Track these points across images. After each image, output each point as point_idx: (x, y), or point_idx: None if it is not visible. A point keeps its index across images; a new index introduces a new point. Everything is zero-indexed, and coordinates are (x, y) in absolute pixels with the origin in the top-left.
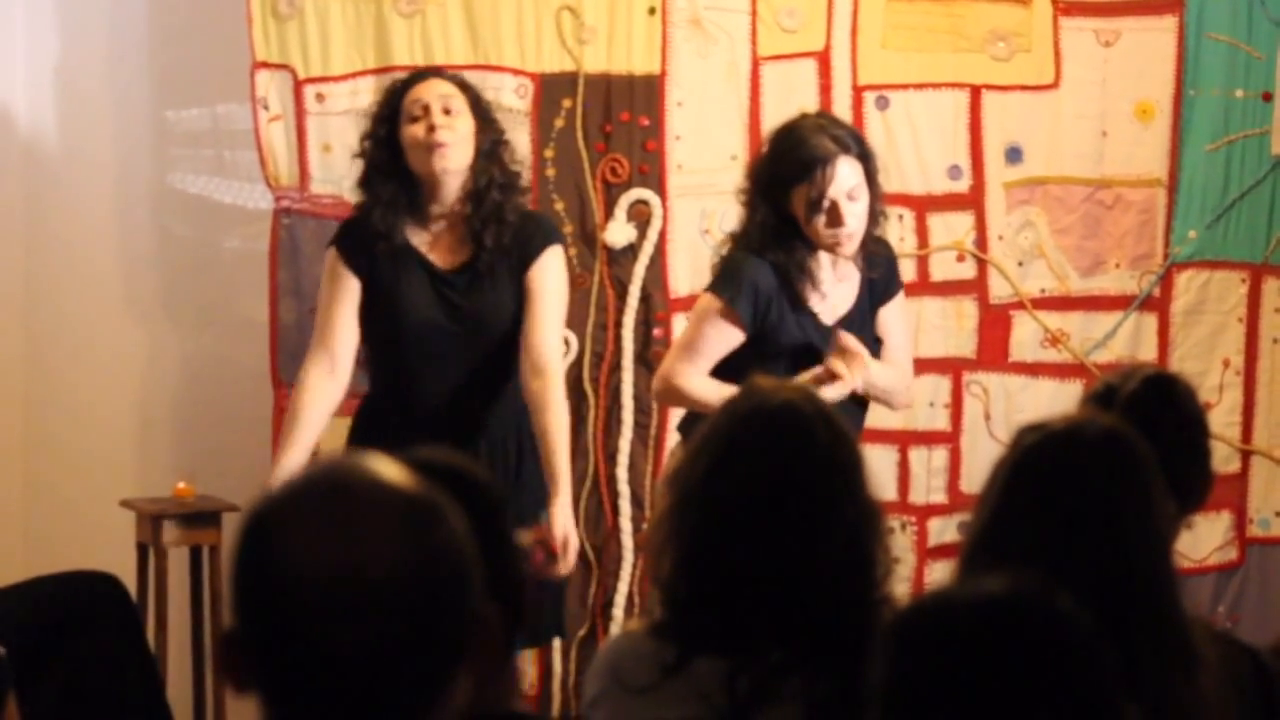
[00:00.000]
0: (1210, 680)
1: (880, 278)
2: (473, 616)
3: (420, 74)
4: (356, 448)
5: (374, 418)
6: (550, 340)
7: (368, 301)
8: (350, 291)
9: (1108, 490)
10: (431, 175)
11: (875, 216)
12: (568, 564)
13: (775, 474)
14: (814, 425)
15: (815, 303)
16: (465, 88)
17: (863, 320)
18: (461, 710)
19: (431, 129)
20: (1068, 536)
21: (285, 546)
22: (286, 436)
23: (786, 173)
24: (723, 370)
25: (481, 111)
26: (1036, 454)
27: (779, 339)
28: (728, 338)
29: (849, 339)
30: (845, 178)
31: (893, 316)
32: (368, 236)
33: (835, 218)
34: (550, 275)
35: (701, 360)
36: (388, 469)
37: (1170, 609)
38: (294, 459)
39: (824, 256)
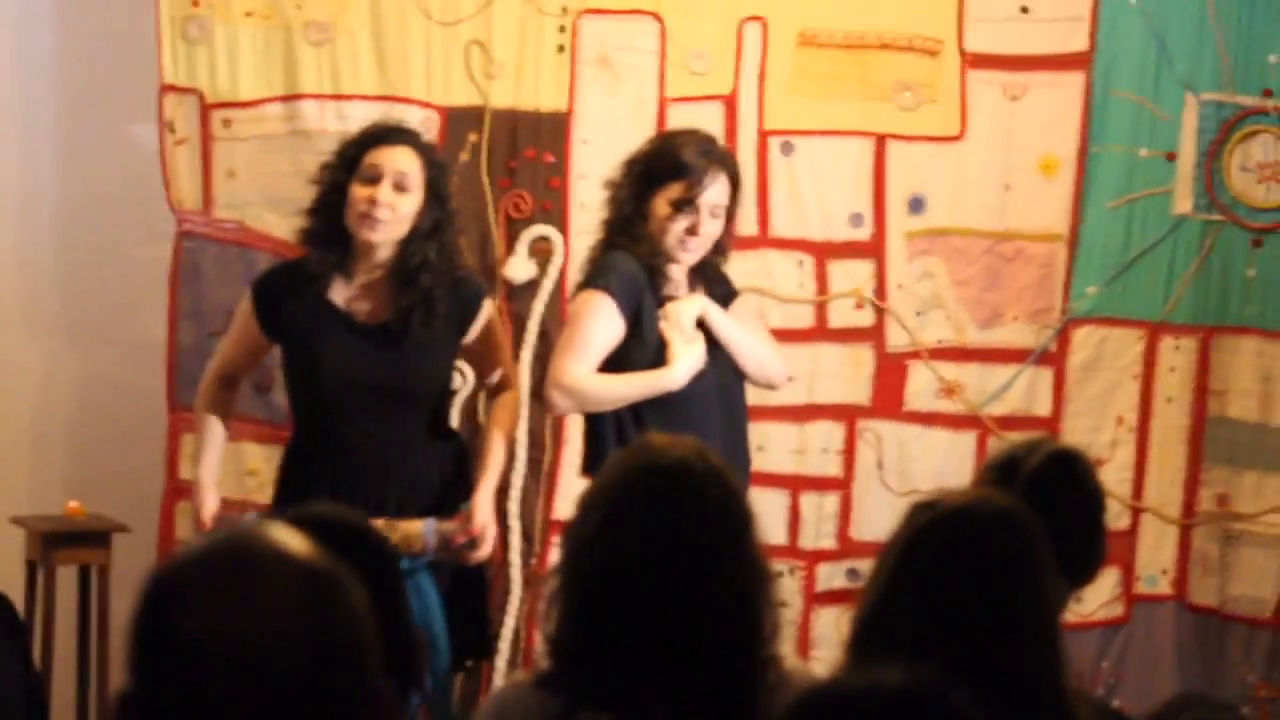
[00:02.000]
0: None
1: (716, 290)
2: (369, 690)
3: (388, 134)
4: (285, 486)
5: (303, 462)
6: (512, 364)
7: (286, 356)
8: (252, 340)
9: (999, 573)
10: (361, 240)
11: (722, 249)
12: (486, 550)
13: (665, 532)
14: (705, 484)
15: (671, 296)
16: (429, 163)
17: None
18: None
19: (373, 201)
20: (958, 617)
21: (185, 612)
22: (202, 442)
23: (662, 170)
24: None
25: (436, 188)
26: (928, 533)
27: (648, 328)
28: (609, 328)
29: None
30: (714, 193)
31: (740, 309)
32: (291, 291)
33: (694, 226)
34: (493, 322)
35: (588, 355)
36: (290, 539)
37: (1057, 692)
38: (213, 457)
39: (674, 266)
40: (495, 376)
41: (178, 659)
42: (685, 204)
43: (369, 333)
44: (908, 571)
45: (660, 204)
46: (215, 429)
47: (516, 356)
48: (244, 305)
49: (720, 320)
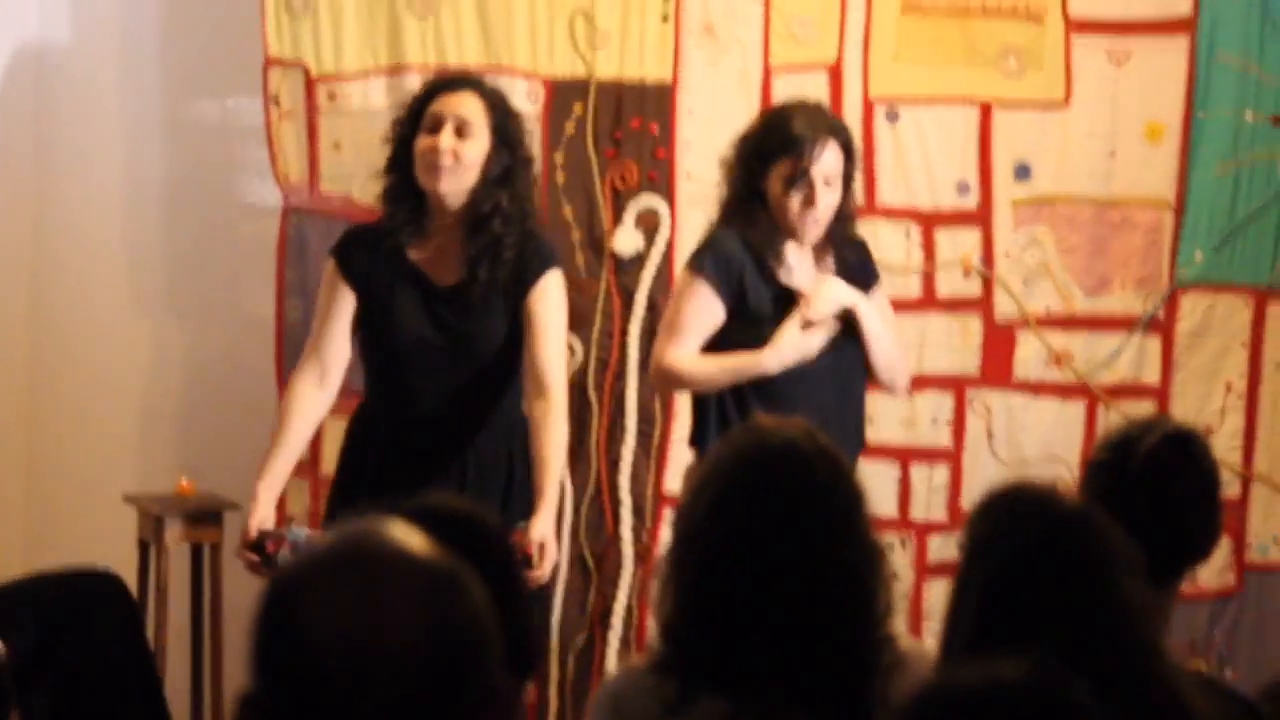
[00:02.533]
0: None
1: (855, 273)
2: (490, 687)
3: (450, 83)
4: (350, 452)
5: (368, 425)
6: (554, 363)
7: (362, 313)
8: (345, 303)
9: (1072, 572)
10: (430, 191)
11: (846, 217)
12: (543, 571)
13: (776, 514)
14: (815, 465)
15: (785, 278)
16: (493, 107)
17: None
18: None
19: (434, 150)
20: (1040, 615)
21: (308, 614)
22: (274, 443)
23: (772, 145)
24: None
25: (504, 133)
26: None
27: (756, 309)
28: (707, 309)
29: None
30: (827, 161)
31: (879, 304)
32: (370, 248)
33: (809, 198)
34: (550, 300)
35: (687, 337)
36: (411, 538)
37: (1165, 698)
38: (280, 466)
39: (793, 245)
40: (535, 367)
41: (300, 659)
42: (798, 178)
43: (440, 293)
44: (1003, 580)
45: (774, 182)
46: (292, 427)
47: (625, 329)
48: (328, 271)
49: (869, 317)
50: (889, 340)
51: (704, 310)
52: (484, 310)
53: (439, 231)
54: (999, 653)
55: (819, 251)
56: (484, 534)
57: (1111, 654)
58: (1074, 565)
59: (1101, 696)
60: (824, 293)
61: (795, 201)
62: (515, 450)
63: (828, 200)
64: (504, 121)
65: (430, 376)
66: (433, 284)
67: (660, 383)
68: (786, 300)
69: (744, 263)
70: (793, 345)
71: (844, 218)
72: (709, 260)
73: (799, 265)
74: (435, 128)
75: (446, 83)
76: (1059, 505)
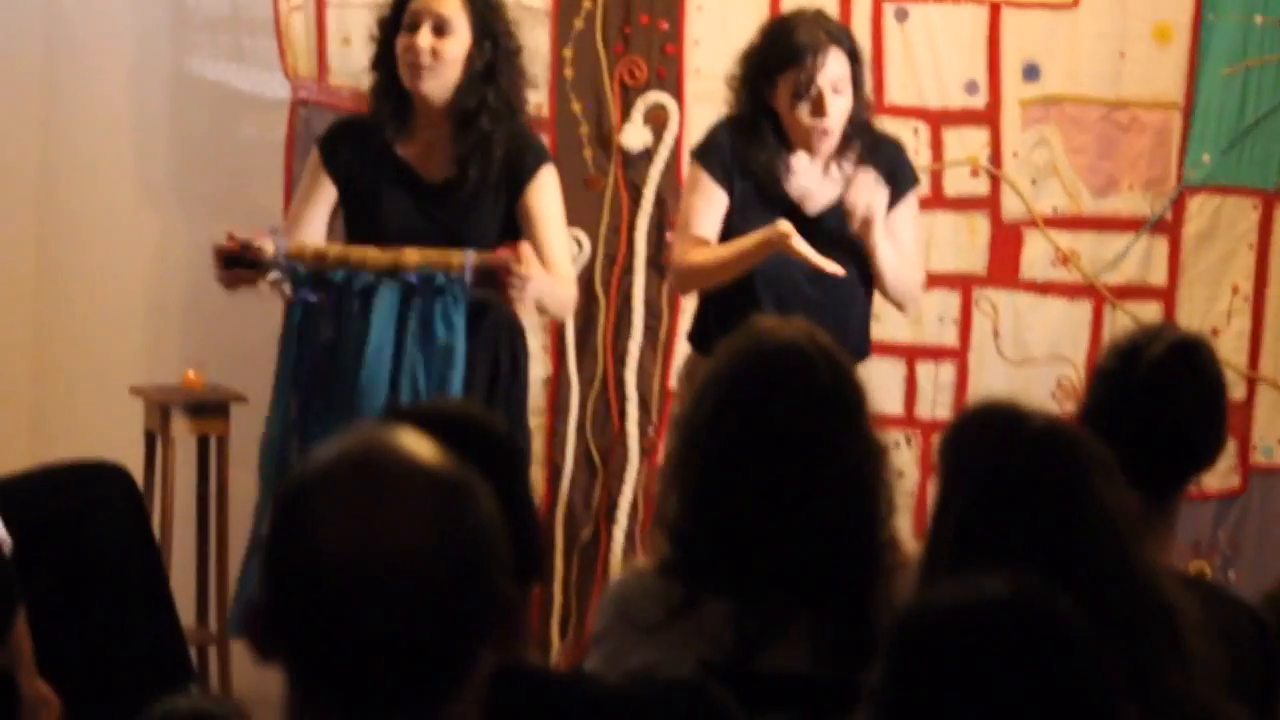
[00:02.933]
0: (1207, 665)
1: (891, 175)
2: (499, 595)
3: None
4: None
5: None
6: (559, 253)
7: (348, 207)
8: (324, 194)
9: (1045, 488)
10: (411, 89)
11: (860, 122)
12: (524, 272)
13: (777, 414)
14: (816, 364)
15: (794, 192)
16: (473, 1)
17: (843, 221)
18: (483, 682)
19: (413, 49)
20: (1022, 530)
21: (318, 525)
22: None
23: (776, 59)
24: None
25: (487, 28)
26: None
27: (740, 205)
28: (712, 199)
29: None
30: (833, 67)
31: (902, 219)
32: (357, 142)
33: (819, 107)
34: (547, 195)
35: (698, 228)
36: (420, 446)
37: (1148, 604)
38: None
39: (802, 154)
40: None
41: (309, 568)
42: (805, 88)
43: (429, 187)
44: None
45: (782, 96)
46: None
47: (632, 224)
48: (311, 159)
49: (881, 237)
50: (899, 261)
51: (709, 199)
52: (475, 206)
53: (426, 128)
54: (980, 572)
55: (833, 159)
56: (490, 438)
57: (1093, 565)
58: (1047, 480)
59: (1084, 608)
60: (861, 180)
61: (804, 112)
62: (502, 353)
63: (838, 107)
64: (484, 15)
65: None
66: (422, 179)
67: (680, 284)
68: (795, 216)
69: (727, 147)
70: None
71: (858, 122)
72: (700, 147)
73: (806, 174)
74: (414, 26)
75: None
76: (1028, 422)
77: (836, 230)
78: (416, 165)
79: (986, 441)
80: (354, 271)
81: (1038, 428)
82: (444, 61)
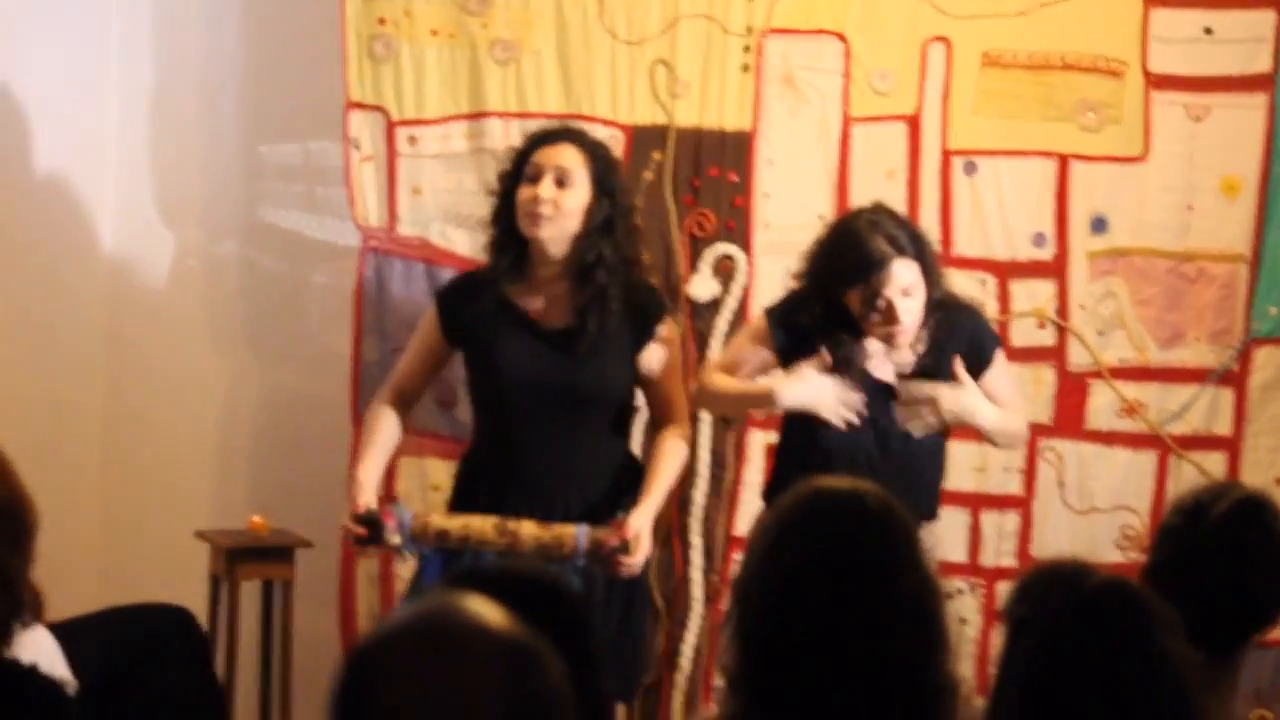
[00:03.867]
0: None
1: (967, 350)
2: None
3: (551, 134)
4: (458, 499)
5: (475, 471)
6: (680, 401)
7: (469, 363)
8: (435, 353)
9: (1108, 644)
10: (531, 239)
11: (934, 299)
12: (637, 560)
13: (828, 554)
14: (864, 500)
15: (875, 372)
16: (594, 157)
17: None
18: None
19: (535, 199)
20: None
21: (386, 688)
22: (365, 445)
23: (843, 272)
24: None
25: (605, 183)
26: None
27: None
28: (760, 354)
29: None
30: (901, 276)
31: (996, 381)
32: (475, 295)
33: (890, 316)
34: (669, 348)
35: (725, 363)
36: (490, 611)
37: None
38: (378, 457)
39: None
40: (667, 414)
41: None
42: (874, 300)
43: (548, 335)
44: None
45: (853, 302)
46: (383, 432)
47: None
48: (428, 314)
49: (987, 420)
50: (1007, 426)
51: (758, 352)
52: (594, 357)
53: (545, 280)
54: None
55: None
56: (561, 601)
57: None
58: (1110, 637)
59: None
60: (952, 397)
61: (876, 320)
62: (621, 498)
63: (909, 309)
64: (604, 171)
65: (539, 418)
66: (541, 328)
67: (696, 402)
68: (870, 387)
69: (807, 336)
70: (807, 384)
71: (932, 301)
72: (779, 309)
73: (879, 355)
74: (536, 177)
75: (547, 134)
76: (1092, 578)
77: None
78: (534, 315)
79: (1052, 597)
80: (476, 553)
81: (1101, 584)
82: (564, 212)
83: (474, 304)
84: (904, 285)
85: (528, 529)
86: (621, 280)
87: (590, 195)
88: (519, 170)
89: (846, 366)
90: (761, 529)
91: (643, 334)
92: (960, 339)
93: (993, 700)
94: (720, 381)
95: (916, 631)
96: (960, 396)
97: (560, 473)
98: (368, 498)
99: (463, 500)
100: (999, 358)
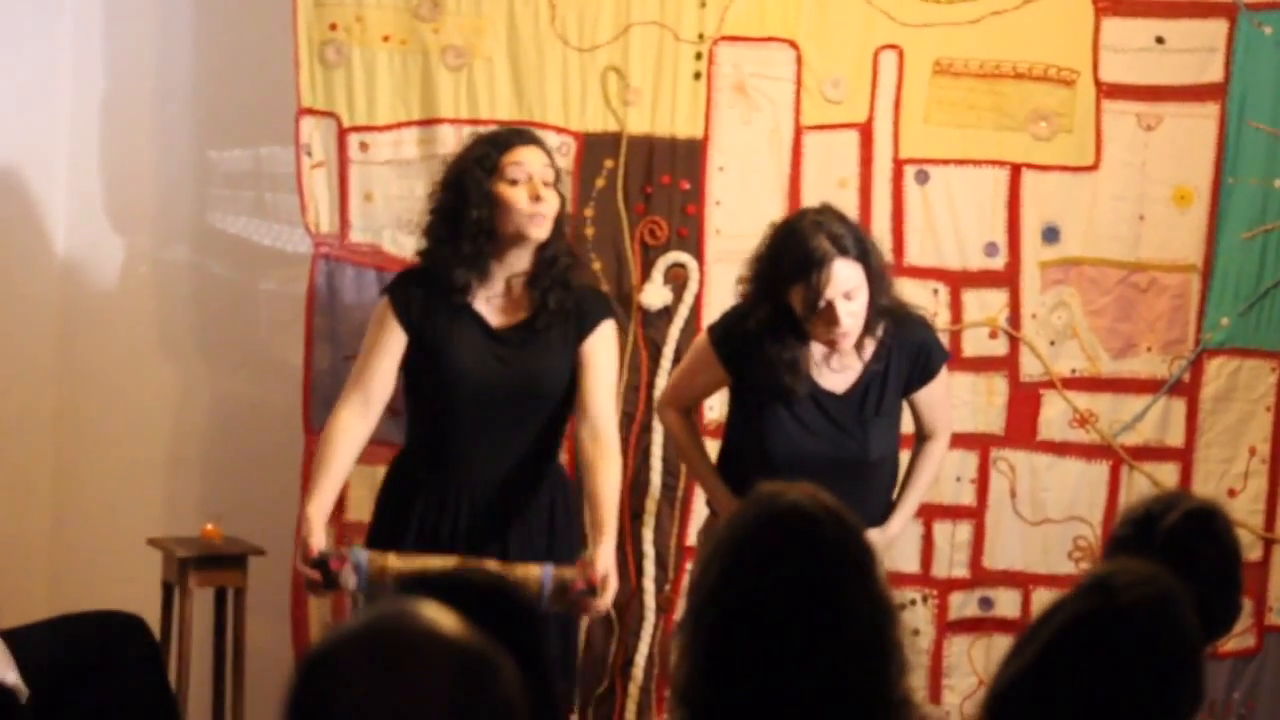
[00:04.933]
0: None
1: (909, 365)
2: None
3: (518, 135)
4: (388, 502)
5: (410, 471)
6: (607, 408)
7: (417, 357)
8: (395, 343)
9: (1152, 691)
10: (520, 239)
11: (881, 307)
12: (605, 602)
13: (785, 577)
14: (821, 523)
15: (819, 378)
16: (553, 160)
17: (860, 402)
18: None
19: (537, 198)
20: (1095, 713)
21: (339, 694)
22: (319, 474)
23: (785, 270)
24: (736, 414)
25: (559, 187)
26: (1093, 623)
27: (752, 389)
28: (705, 375)
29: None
30: (842, 278)
31: (936, 394)
32: (426, 289)
33: (831, 318)
34: (607, 346)
35: (681, 391)
36: (443, 618)
37: None
38: (330, 488)
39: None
40: (589, 411)
41: None
42: (815, 301)
43: (499, 335)
44: (1057, 655)
45: (796, 302)
46: (337, 457)
47: (652, 383)
48: (380, 309)
49: (904, 523)
50: (925, 489)
51: (702, 374)
52: (546, 348)
53: (499, 278)
54: None
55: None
56: (513, 608)
57: None
58: (1155, 680)
59: None
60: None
61: (819, 325)
62: (557, 499)
63: (851, 311)
64: (558, 175)
65: (487, 419)
66: (492, 326)
67: (661, 425)
68: (819, 396)
69: (751, 343)
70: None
71: (879, 308)
72: (720, 327)
73: (828, 371)
74: (522, 179)
75: (520, 135)
76: (1161, 610)
77: (860, 408)
78: (485, 312)
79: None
80: None
81: (1167, 621)
82: (553, 211)
83: (425, 299)
84: (846, 287)
85: (491, 565)
86: (577, 270)
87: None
88: (492, 169)
89: (792, 371)
90: (716, 544)
91: (584, 328)
92: (908, 350)
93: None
94: (678, 433)
95: (869, 656)
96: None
97: (502, 477)
98: (318, 539)
99: (392, 509)
100: (943, 373)
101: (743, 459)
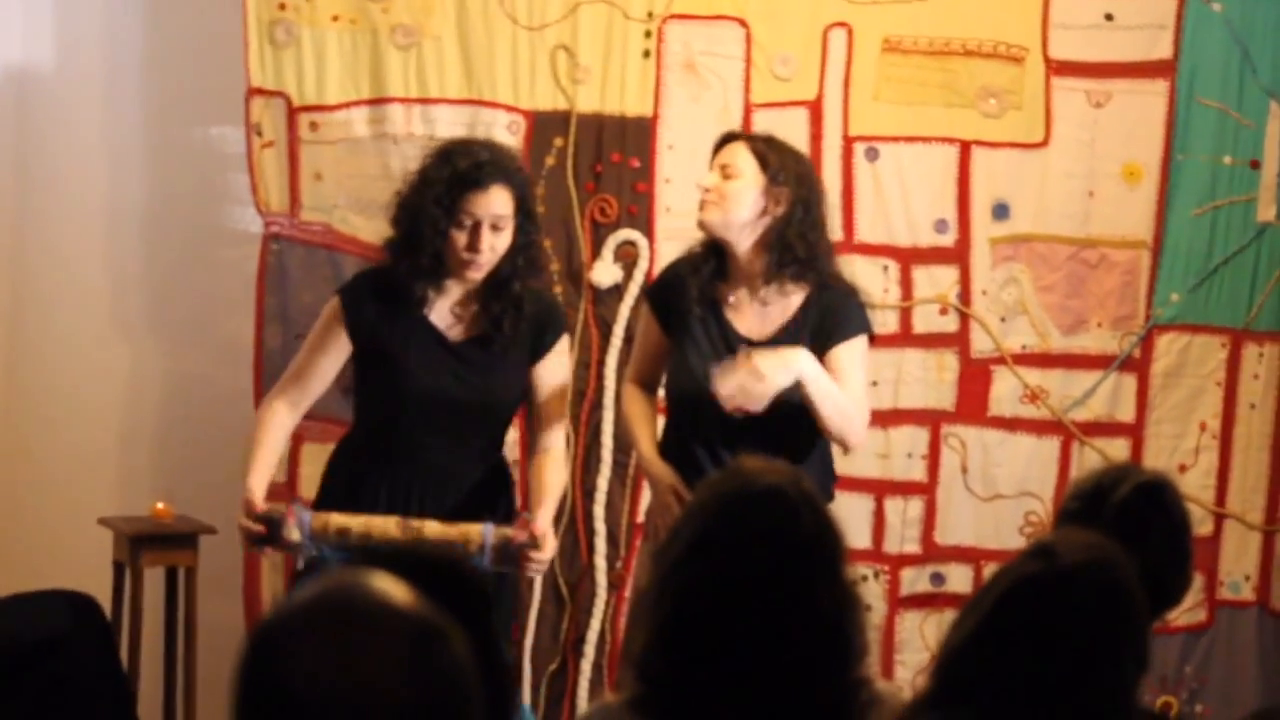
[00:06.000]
0: None
1: (819, 319)
2: None
3: (483, 178)
4: (332, 485)
5: (355, 459)
6: (559, 423)
7: (368, 362)
8: (338, 348)
9: (1095, 649)
10: (460, 278)
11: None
12: (545, 557)
13: (757, 560)
14: (799, 512)
15: (732, 318)
16: (519, 189)
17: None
18: None
19: (474, 248)
20: (1042, 678)
21: (290, 666)
22: (257, 451)
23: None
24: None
25: (525, 208)
26: (1035, 585)
27: (680, 338)
28: (648, 330)
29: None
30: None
31: (845, 357)
32: (380, 296)
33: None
34: (560, 363)
35: (636, 360)
36: (393, 589)
37: None
38: (268, 460)
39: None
40: (544, 425)
41: (281, 712)
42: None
43: (455, 348)
44: (1003, 619)
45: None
46: (270, 440)
47: (602, 360)
48: (330, 309)
49: (813, 385)
50: (835, 403)
51: (646, 332)
52: (502, 362)
53: (454, 292)
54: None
55: (773, 295)
56: (462, 583)
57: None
58: (1097, 638)
59: None
60: (766, 370)
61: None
62: (501, 496)
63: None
64: (525, 197)
65: (438, 427)
66: (448, 338)
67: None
68: (732, 336)
69: (676, 284)
70: (658, 470)
71: (820, 283)
72: (654, 286)
73: (752, 310)
74: (473, 226)
75: (479, 176)
76: (1102, 571)
77: None
78: (441, 324)
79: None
80: None
81: (1107, 583)
82: (497, 253)
83: (379, 306)
84: (724, 161)
85: (432, 527)
86: (533, 286)
87: (514, 232)
88: (449, 211)
89: (709, 311)
90: (688, 513)
91: (540, 346)
92: (824, 307)
93: (932, 677)
94: (624, 407)
95: (830, 640)
96: (759, 360)
97: (443, 479)
98: (260, 499)
99: (344, 491)
100: (856, 343)
101: (669, 407)
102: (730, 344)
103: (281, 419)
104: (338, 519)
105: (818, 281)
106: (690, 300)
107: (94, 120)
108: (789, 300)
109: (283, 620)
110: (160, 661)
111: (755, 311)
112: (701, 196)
